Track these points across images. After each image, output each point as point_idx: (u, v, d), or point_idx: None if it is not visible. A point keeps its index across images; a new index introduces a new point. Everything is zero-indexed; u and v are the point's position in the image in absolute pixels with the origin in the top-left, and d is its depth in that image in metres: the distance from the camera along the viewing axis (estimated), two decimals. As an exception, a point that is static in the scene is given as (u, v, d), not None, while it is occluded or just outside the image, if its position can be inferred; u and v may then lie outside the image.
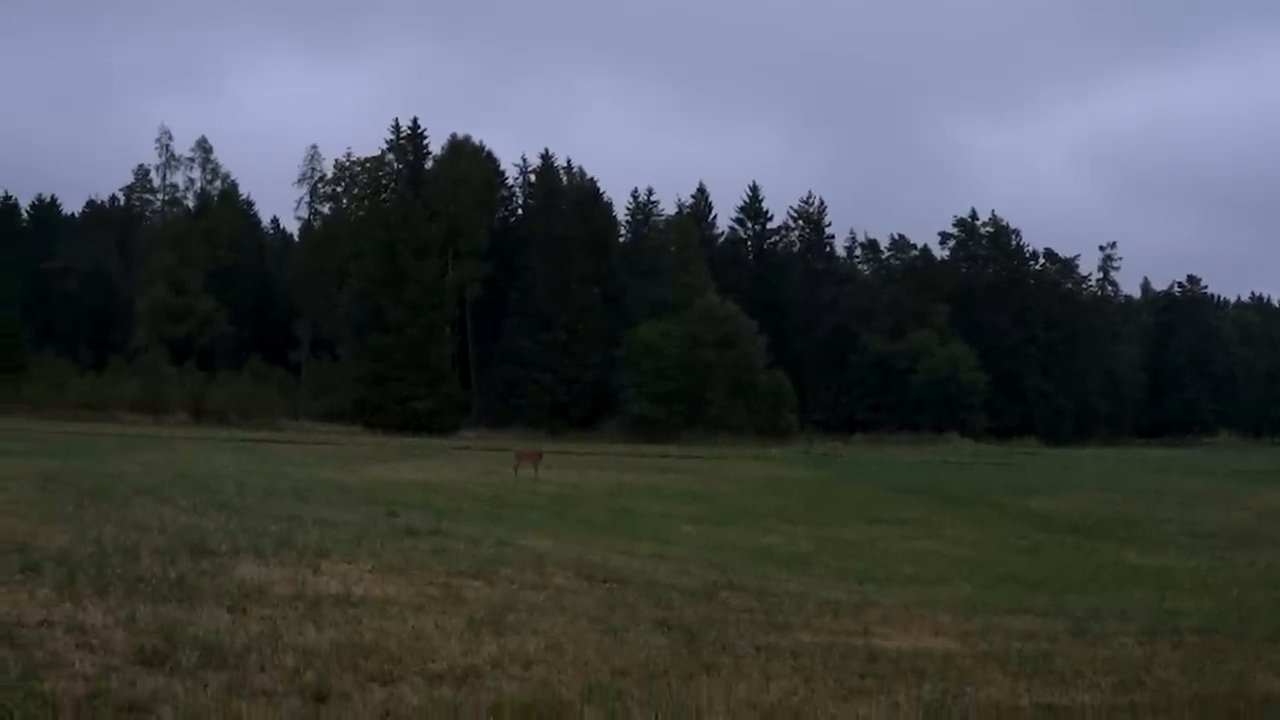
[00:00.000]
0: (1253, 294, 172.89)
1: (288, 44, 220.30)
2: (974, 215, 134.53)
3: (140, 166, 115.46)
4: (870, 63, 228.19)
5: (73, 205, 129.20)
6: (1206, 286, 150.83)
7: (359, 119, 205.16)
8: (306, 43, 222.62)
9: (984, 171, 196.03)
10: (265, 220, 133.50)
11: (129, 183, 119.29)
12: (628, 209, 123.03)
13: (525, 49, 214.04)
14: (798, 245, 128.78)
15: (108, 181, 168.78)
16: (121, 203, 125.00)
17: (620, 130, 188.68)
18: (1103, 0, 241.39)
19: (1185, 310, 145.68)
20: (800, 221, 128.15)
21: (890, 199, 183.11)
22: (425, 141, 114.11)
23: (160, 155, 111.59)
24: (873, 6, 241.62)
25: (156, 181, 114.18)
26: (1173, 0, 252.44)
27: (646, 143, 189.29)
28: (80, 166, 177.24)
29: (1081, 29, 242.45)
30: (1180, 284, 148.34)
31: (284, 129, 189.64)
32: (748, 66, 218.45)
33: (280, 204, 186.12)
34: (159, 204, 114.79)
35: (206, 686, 7.67)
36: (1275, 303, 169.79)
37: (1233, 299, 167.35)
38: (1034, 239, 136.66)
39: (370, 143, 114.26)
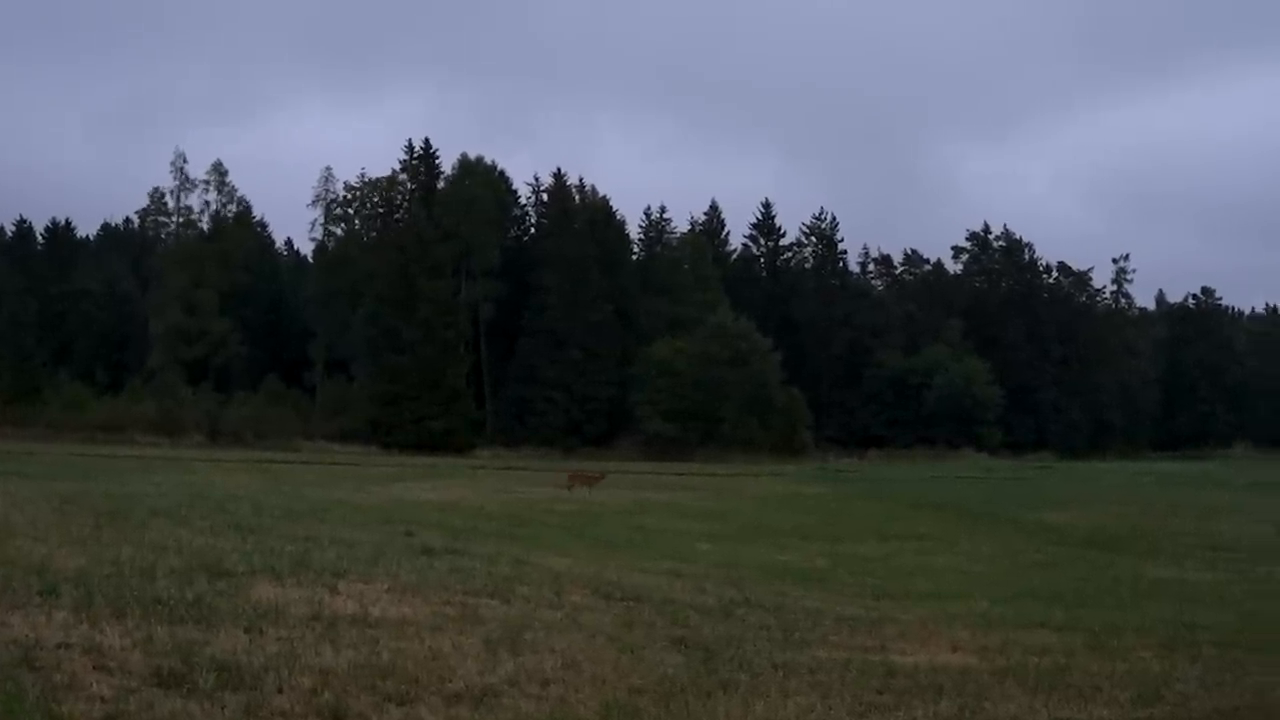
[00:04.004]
0: (1267, 305, 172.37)
1: (310, 79, 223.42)
2: (987, 229, 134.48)
3: (155, 189, 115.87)
4: (865, 90, 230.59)
5: (88, 228, 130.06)
6: (1221, 298, 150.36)
7: (375, 154, 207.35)
8: (328, 79, 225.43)
9: (981, 192, 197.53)
10: (279, 242, 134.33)
11: (144, 206, 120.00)
12: (640, 227, 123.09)
13: (537, 88, 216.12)
14: (811, 261, 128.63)
15: (123, 205, 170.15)
16: (136, 226, 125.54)
17: (630, 160, 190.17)
18: (1093, 26, 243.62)
19: (1199, 322, 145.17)
20: (813, 238, 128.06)
21: (888, 222, 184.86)
22: (437, 161, 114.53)
23: (175, 178, 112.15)
24: (865, 37, 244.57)
25: (171, 204, 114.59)
26: (1161, 26, 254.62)
27: (656, 171, 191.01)
28: (96, 191, 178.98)
29: (1071, 53, 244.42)
30: (1195, 296, 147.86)
31: (301, 157, 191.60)
32: (748, 95, 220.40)
33: (294, 226, 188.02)
34: (174, 226, 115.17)
35: (224, 708, 7.69)
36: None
37: (1246, 310, 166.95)
38: (1044, 254, 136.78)
39: (384, 166, 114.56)
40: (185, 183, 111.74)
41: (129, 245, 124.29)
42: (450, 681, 8.90)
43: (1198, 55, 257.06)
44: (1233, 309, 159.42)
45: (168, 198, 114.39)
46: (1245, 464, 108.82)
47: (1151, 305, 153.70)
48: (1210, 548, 31.42)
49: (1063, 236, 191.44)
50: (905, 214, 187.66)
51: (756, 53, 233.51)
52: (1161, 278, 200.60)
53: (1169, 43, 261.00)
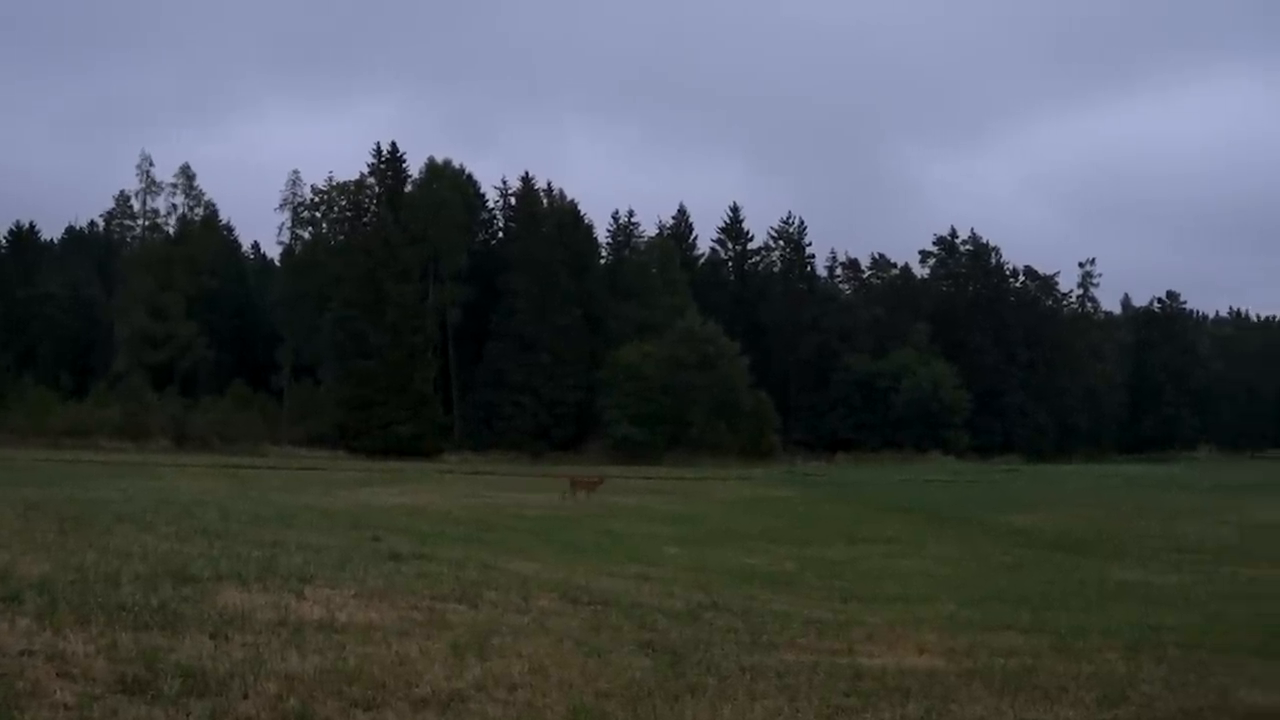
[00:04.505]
0: (1231, 309, 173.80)
1: (279, 84, 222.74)
2: (953, 233, 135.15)
3: (121, 193, 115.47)
4: (830, 96, 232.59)
5: (52, 232, 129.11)
6: (1185, 302, 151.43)
7: (343, 159, 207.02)
8: (297, 84, 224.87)
9: (947, 197, 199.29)
10: (246, 245, 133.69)
11: (109, 209, 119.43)
12: (608, 231, 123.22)
13: (505, 94, 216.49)
14: (778, 265, 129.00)
15: (88, 208, 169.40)
16: (101, 229, 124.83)
17: (598, 165, 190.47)
18: (1056, 33, 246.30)
19: (1164, 326, 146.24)
20: (780, 242, 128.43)
21: (855, 227, 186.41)
22: (404, 165, 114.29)
23: (141, 181, 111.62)
24: (830, 44, 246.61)
25: (137, 207, 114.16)
26: (1125, 34, 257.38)
27: (623, 177, 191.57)
28: (60, 194, 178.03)
29: (1035, 61, 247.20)
30: (1160, 300, 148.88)
31: (269, 161, 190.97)
32: (715, 101, 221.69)
33: (262, 229, 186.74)
34: (139, 230, 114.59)
35: (189, 714, 7.64)
36: (1253, 317, 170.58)
37: (1211, 314, 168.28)
38: (1011, 258, 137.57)
39: (352, 171, 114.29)
40: (151, 186, 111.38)
41: (94, 249, 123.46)
42: (417, 686, 8.87)
43: (1162, 63, 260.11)
44: (1197, 313, 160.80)
45: (133, 201, 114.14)
46: (1209, 466, 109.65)
47: (1117, 309, 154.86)
48: (1175, 550, 31.64)
49: (1029, 242, 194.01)
50: (872, 219, 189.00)
51: (723, 60, 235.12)
52: (1127, 282, 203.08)
53: (1133, 50, 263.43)
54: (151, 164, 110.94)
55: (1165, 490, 62.47)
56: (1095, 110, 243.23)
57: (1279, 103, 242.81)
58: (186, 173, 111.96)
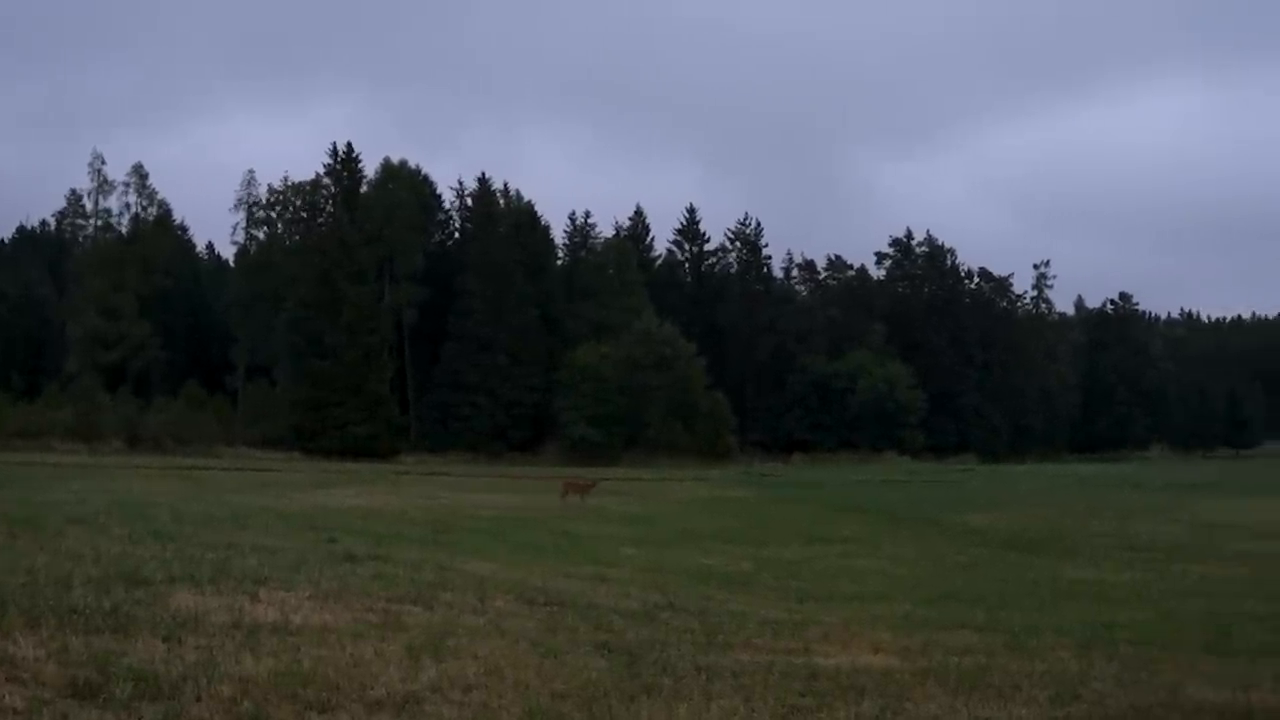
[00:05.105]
0: (1182, 310, 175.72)
1: (235, 87, 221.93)
2: (909, 235, 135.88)
3: (73, 192, 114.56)
4: (783, 101, 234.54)
5: (3, 231, 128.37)
6: (1138, 304, 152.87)
7: (300, 161, 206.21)
8: (254, 87, 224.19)
9: (899, 201, 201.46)
10: (200, 246, 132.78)
11: (61, 208, 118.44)
12: (565, 232, 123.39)
13: (462, 98, 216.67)
14: (735, 267, 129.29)
15: (39, 207, 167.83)
16: (53, 228, 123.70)
17: (555, 169, 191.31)
18: (1005, 42, 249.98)
19: (1117, 327, 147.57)
20: (737, 243, 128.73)
21: (810, 229, 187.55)
22: (360, 166, 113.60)
23: (93, 180, 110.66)
24: (783, 50, 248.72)
25: (89, 206, 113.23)
26: (1072, 43, 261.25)
27: (580, 180, 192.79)
28: (11, 193, 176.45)
29: (984, 68, 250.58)
30: (1113, 301, 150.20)
31: (224, 162, 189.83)
32: (671, 106, 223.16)
33: (216, 230, 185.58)
34: (92, 229, 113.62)
35: (141, 718, 7.58)
36: (1204, 318, 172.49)
37: (1163, 316, 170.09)
38: (966, 259, 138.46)
39: (308, 172, 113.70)
40: (104, 185, 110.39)
41: (46, 248, 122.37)
42: (372, 689, 8.83)
43: (1107, 71, 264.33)
44: (1150, 314, 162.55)
45: (86, 200, 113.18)
46: (1162, 465, 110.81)
47: (1071, 311, 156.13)
48: (1128, 548, 31.91)
49: (982, 245, 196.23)
50: (827, 222, 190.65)
51: (679, 65, 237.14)
52: (1081, 284, 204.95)
53: (1079, 59, 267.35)
54: (104, 163, 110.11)
55: (1118, 489, 63.02)
56: (1044, 117, 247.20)
57: (1220, 109, 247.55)
58: (139, 172, 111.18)
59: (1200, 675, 12.14)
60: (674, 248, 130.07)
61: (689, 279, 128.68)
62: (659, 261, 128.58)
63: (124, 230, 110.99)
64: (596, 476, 55.85)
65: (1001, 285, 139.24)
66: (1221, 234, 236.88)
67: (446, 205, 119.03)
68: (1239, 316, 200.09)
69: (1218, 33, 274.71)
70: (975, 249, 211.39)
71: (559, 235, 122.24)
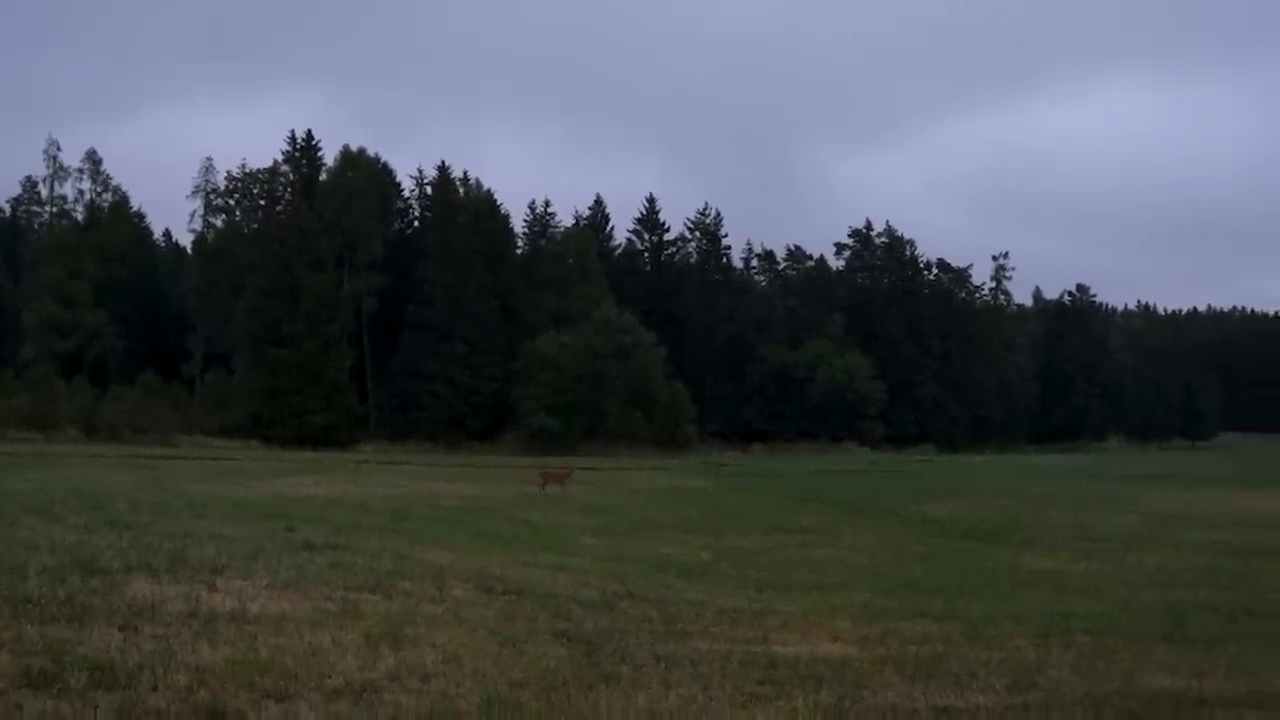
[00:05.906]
0: (1139, 302, 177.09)
1: (195, 77, 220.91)
2: (869, 226, 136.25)
3: (28, 178, 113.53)
4: (741, 96, 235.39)
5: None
6: (1095, 296, 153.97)
7: (258, 152, 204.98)
8: (214, 77, 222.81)
9: (855, 194, 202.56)
10: (158, 233, 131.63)
11: (16, 195, 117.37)
12: (525, 222, 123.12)
13: (423, 90, 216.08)
14: (694, 257, 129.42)
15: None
16: (8, 214, 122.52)
17: (515, 160, 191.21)
18: (958, 38, 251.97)
19: (1075, 319, 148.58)
20: (697, 233, 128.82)
21: (769, 221, 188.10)
22: (319, 153, 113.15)
23: (49, 167, 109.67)
24: (740, 46, 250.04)
25: (44, 193, 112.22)
26: (1025, 39, 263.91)
27: (540, 171, 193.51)
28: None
29: (938, 64, 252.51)
30: (1070, 293, 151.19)
31: (183, 151, 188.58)
32: (630, 100, 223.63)
33: (173, 217, 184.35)
34: (47, 216, 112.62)
35: (96, 708, 7.51)
36: (1161, 311, 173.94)
37: (1120, 308, 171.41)
38: (925, 251, 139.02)
39: (267, 161, 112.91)
40: (59, 171, 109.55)
41: (0, 235, 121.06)
42: (330, 677, 8.79)
43: (1057, 68, 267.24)
44: (1107, 306, 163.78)
45: (41, 186, 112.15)
46: (1119, 456, 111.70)
47: (1029, 302, 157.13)
48: (1085, 538, 32.14)
49: (938, 237, 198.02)
50: (785, 214, 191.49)
51: (639, 59, 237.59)
52: (1039, 276, 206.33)
53: (1030, 57, 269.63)
54: (59, 149, 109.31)
55: (1075, 480, 63.48)
56: (996, 113, 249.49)
57: (1170, 107, 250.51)
58: (93, 158, 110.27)
59: (1155, 663, 12.24)
60: (634, 237, 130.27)
61: (648, 268, 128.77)
62: (619, 251, 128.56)
63: (80, 217, 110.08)
64: (570, 465, 55.94)
65: (960, 277, 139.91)
66: (1175, 229, 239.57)
67: (406, 194, 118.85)
68: (1195, 309, 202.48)
69: (1168, 32, 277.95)
70: (931, 243, 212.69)
71: (519, 225, 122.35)
